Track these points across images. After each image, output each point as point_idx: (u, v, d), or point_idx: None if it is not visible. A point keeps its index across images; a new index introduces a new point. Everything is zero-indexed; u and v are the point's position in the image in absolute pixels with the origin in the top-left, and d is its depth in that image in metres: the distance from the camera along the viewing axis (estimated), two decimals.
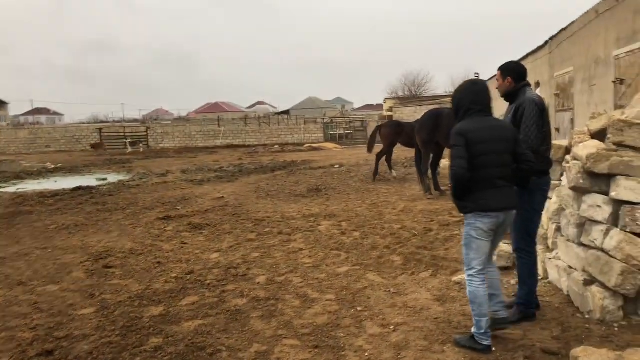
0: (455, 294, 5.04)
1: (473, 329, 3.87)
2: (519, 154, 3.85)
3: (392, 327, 4.32)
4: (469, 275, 3.91)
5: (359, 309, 4.77)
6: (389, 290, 5.23)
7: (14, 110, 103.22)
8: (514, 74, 4.41)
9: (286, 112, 64.91)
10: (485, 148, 3.75)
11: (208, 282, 5.72)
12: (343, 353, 3.92)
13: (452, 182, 3.83)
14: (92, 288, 5.62)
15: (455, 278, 5.43)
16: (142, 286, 5.64)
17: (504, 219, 3.85)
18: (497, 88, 4.56)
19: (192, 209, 10.43)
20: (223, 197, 12.02)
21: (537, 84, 13.59)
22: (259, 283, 5.63)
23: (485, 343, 3.77)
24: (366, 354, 3.88)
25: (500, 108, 4.96)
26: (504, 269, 5.62)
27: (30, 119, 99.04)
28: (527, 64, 11.41)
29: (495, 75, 4.63)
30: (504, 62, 4.59)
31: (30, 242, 7.97)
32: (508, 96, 4.45)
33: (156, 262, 6.61)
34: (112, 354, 3.99)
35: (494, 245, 4.04)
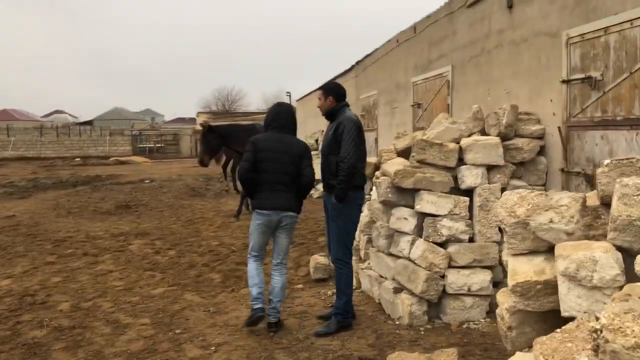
0: None
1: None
2: (302, 168, 4.51)
3: (213, 348, 4.16)
4: (248, 255, 4.68)
5: (177, 331, 4.52)
6: (209, 310, 5.06)
7: None
8: (335, 94, 4.66)
9: (89, 123, 60.38)
10: (267, 156, 4.47)
11: None
12: None
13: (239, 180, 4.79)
14: None
15: None
16: None
17: (277, 218, 4.49)
18: (318, 107, 4.76)
19: None
20: (14, 215, 10.71)
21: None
22: (61, 310, 5.05)
23: (256, 307, 4.43)
24: None
25: (321, 124, 5.14)
26: (321, 280, 5.80)
27: None
28: None
29: (306, 95, 4.87)
30: (325, 83, 4.79)
31: None
32: (329, 115, 4.64)
33: None
34: None
35: (277, 242, 4.65)
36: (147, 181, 17.89)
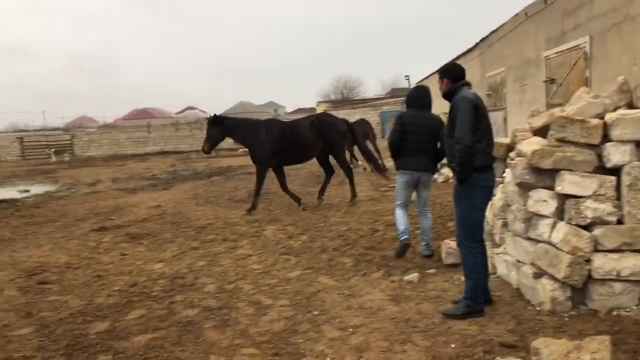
0: (408, 292, 5.07)
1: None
2: (439, 138, 5.87)
3: (350, 330, 4.28)
4: (396, 206, 6.24)
5: (315, 312, 4.70)
6: (343, 293, 5.19)
7: None
8: (450, 75, 4.60)
9: None
10: (411, 129, 5.91)
11: (154, 293, 5.48)
12: (304, 359, 3.84)
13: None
14: (27, 306, 5.25)
15: (407, 277, 5.46)
16: (84, 301, 5.33)
17: (417, 176, 6.05)
18: (439, 89, 4.69)
19: (128, 219, 10.03)
20: (160, 205, 11.64)
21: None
22: (208, 292, 5.45)
23: (403, 237, 6.03)
24: (328, 359, 3.82)
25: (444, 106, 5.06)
26: (453, 265, 5.72)
27: None
28: None
29: (425, 77, 4.90)
30: (442, 65, 4.73)
31: None
32: (447, 96, 4.57)
33: (95, 275, 6.27)
34: None
35: (420, 194, 6.23)
36: None
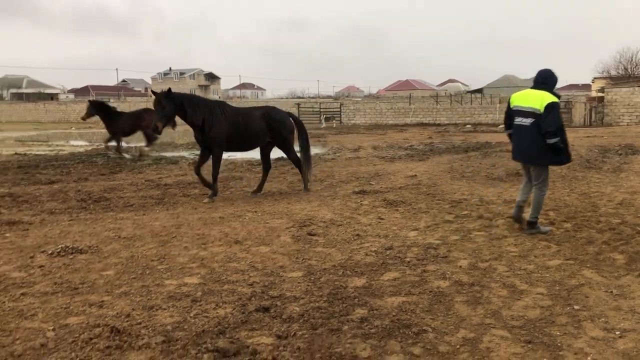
0: None
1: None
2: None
3: (617, 333, 3.86)
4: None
5: (575, 307, 4.34)
6: (611, 291, 4.68)
7: (224, 84, 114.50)
8: None
9: (479, 91, 62.35)
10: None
11: (408, 259, 5.68)
12: (561, 353, 3.59)
13: None
14: (298, 253, 5.93)
15: None
16: (344, 256, 5.80)
17: None
18: None
19: (386, 185, 10.50)
20: (415, 175, 11.91)
21: None
22: (460, 267, 5.44)
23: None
24: (588, 358, 3.51)
25: None
26: None
27: (238, 92, 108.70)
28: None
29: None
30: None
31: (243, 205, 8.71)
32: None
33: (355, 234, 6.75)
34: (321, 318, 4.14)
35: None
36: None
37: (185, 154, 17.89)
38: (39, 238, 6.63)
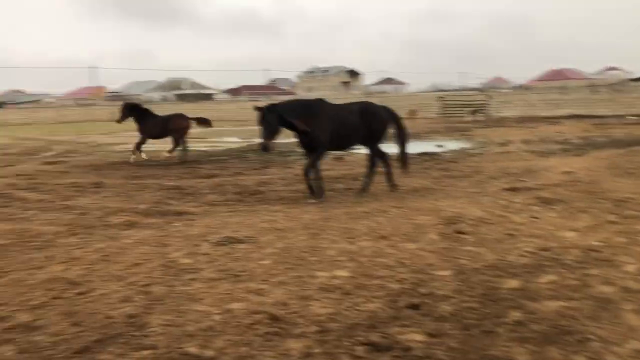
0: None
1: None
2: None
3: None
4: None
5: None
6: None
7: (366, 80, 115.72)
8: None
9: None
10: None
11: (566, 262, 5.33)
12: None
13: None
14: (447, 251, 5.83)
15: None
16: (496, 256, 5.59)
17: None
18: None
19: (539, 182, 9.91)
20: (572, 171, 11.09)
21: None
22: (627, 272, 4.99)
23: None
24: None
25: None
26: None
27: (379, 88, 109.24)
28: None
29: None
30: None
31: (387, 200, 8.75)
32: None
33: (507, 233, 6.47)
34: (474, 319, 4.05)
35: None
36: None
37: None
38: (203, 227, 7.23)
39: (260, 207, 8.63)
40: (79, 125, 44.73)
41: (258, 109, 8.39)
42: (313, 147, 8.96)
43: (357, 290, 4.68)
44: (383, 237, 6.38)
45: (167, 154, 16.08)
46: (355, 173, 11.78)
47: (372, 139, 9.54)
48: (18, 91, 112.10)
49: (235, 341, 3.78)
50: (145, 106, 17.87)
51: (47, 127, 44.66)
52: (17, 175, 13.25)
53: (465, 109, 37.25)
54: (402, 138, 9.92)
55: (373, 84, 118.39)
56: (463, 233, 6.51)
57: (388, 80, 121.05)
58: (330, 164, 13.93)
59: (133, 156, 15.77)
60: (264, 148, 8.24)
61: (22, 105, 74.27)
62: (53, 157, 17.41)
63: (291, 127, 8.60)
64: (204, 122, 16.74)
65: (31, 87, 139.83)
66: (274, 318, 4.06)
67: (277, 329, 3.92)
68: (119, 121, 16.39)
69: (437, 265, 5.36)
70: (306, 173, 8.96)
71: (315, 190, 8.99)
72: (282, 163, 14.61)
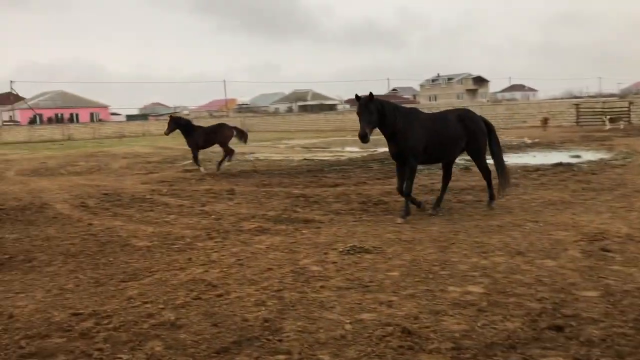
0: None
1: None
2: None
3: None
4: None
5: None
6: None
7: (493, 87, 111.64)
8: None
9: None
10: None
11: None
12: None
13: None
14: (591, 270, 5.38)
15: None
16: None
17: None
18: None
19: None
20: None
21: None
22: None
23: None
24: None
25: None
26: None
27: (507, 95, 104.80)
28: None
29: None
30: None
31: (522, 213, 8.29)
32: None
33: None
34: (628, 346, 3.67)
35: None
36: None
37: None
38: (330, 236, 7.33)
39: (385, 217, 8.57)
40: None
41: (358, 97, 8.07)
42: (404, 159, 8.38)
43: (493, 308, 4.45)
44: (519, 253, 6.05)
45: (226, 163, 16.92)
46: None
47: (474, 149, 8.92)
48: (158, 104, 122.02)
49: (368, 352, 3.74)
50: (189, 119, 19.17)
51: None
52: (159, 182, 14.36)
53: (603, 117, 34.48)
54: (498, 149, 9.12)
55: (500, 91, 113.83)
56: (609, 251, 5.99)
57: (517, 87, 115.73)
58: (456, 174, 13.53)
59: (201, 168, 16.69)
60: (363, 137, 7.75)
61: (161, 117, 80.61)
62: (189, 166, 18.63)
63: (382, 123, 8.06)
64: (241, 134, 17.43)
65: (169, 100, 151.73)
66: (407, 331, 3.97)
67: (410, 343, 3.83)
68: (166, 133, 17.64)
69: (581, 285, 4.96)
70: (407, 194, 8.38)
71: (404, 208, 8.36)
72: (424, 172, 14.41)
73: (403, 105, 9.85)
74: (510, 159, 17.07)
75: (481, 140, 8.88)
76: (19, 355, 3.97)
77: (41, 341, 4.21)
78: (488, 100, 72.68)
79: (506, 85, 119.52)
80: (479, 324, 4.12)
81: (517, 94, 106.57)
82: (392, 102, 8.85)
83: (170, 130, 17.31)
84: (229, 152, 16.82)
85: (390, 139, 8.31)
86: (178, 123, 17.44)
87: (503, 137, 27.13)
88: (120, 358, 3.81)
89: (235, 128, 17.42)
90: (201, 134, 16.95)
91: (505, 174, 9.05)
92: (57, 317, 4.73)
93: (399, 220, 8.10)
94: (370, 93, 7.94)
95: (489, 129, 9.09)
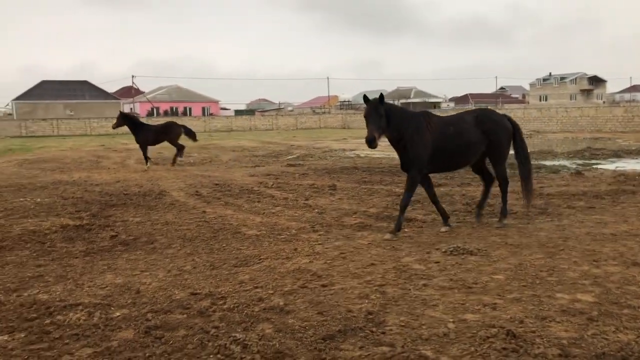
0: None
1: None
2: None
3: None
4: None
5: None
6: None
7: (611, 87, 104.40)
8: None
9: None
10: None
11: None
12: None
13: None
14: None
15: None
16: None
17: None
18: None
19: None
20: None
21: None
22: None
23: None
24: None
25: None
26: None
27: (627, 96, 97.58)
28: None
29: None
30: None
31: (638, 222, 7.82)
32: None
33: None
34: None
35: None
36: None
37: (566, 162, 17.05)
38: (432, 236, 7.35)
39: (489, 219, 8.41)
40: (314, 131, 48.37)
41: (367, 100, 7.41)
42: (408, 169, 7.68)
43: (605, 318, 4.30)
44: (635, 264, 5.74)
45: (178, 159, 18.19)
46: (597, 190, 10.77)
47: (494, 154, 7.98)
48: (264, 100, 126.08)
49: (471, 352, 3.78)
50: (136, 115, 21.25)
51: (287, 132, 49.46)
52: (266, 175, 14.96)
53: None
54: (524, 153, 8.15)
55: (619, 92, 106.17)
56: None
57: (637, 87, 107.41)
58: (567, 179, 12.92)
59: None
60: (371, 141, 7.01)
61: (266, 113, 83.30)
62: (293, 160, 19.21)
63: (386, 128, 7.29)
64: (189, 132, 18.70)
65: (273, 96, 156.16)
66: (512, 334, 3.95)
67: (515, 345, 3.81)
68: (114, 127, 18.47)
69: None
70: (402, 206, 7.66)
71: (397, 224, 7.59)
72: (512, 176, 13.96)
73: (485, 107, 9.44)
74: (629, 165, 16.04)
75: (504, 143, 7.95)
76: (146, 327, 4.40)
77: (165, 316, 4.64)
78: (604, 102, 67.97)
79: (626, 85, 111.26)
80: (588, 333, 4.01)
81: (639, 95, 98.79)
82: (397, 105, 8.30)
83: (118, 125, 18.30)
84: (179, 148, 18.20)
85: (396, 147, 7.65)
86: (126, 119, 18.52)
87: (620, 142, 25.49)
88: (234, 337, 4.11)
89: (183, 127, 18.70)
90: (151, 132, 18.16)
91: (529, 182, 8.11)
92: (178, 295, 5.17)
93: (387, 236, 7.37)
94: (381, 95, 7.36)
95: (515, 129, 8.13)
